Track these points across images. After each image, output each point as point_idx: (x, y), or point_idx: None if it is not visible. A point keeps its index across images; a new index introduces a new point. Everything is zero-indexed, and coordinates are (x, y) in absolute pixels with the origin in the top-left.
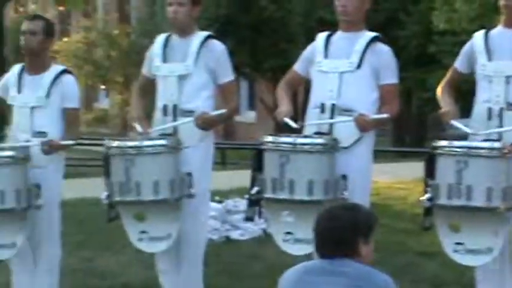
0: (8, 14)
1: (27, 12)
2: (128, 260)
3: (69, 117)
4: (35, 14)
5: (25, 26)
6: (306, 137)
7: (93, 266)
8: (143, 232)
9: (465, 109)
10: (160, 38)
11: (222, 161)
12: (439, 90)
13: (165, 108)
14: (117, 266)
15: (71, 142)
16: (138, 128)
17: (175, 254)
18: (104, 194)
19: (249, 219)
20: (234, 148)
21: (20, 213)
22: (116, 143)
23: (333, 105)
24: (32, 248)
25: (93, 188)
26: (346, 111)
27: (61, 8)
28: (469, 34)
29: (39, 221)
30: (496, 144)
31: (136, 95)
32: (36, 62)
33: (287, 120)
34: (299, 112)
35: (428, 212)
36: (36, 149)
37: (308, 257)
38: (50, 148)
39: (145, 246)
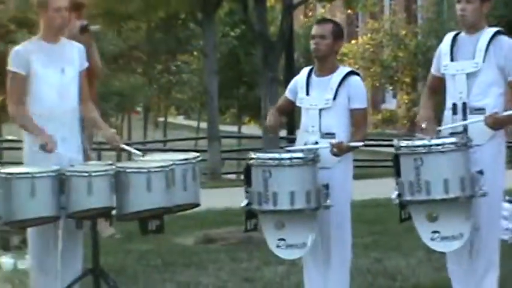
0: (298, 19)
1: (316, 16)
2: (417, 261)
3: (357, 117)
4: (323, 17)
5: (314, 30)
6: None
7: (382, 267)
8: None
9: None
10: (448, 36)
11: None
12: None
13: (454, 107)
14: (407, 267)
15: (360, 144)
16: (424, 126)
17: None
18: (394, 194)
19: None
20: None
21: (310, 214)
22: (404, 143)
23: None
24: (323, 248)
25: (382, 188)
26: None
27: (349, 11)
28: None
29: (329, 221)
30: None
31: (425, 95)
32: (325, 65)
33: None
34: None
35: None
36: (325, 150)
37: None
38: (339, 151)
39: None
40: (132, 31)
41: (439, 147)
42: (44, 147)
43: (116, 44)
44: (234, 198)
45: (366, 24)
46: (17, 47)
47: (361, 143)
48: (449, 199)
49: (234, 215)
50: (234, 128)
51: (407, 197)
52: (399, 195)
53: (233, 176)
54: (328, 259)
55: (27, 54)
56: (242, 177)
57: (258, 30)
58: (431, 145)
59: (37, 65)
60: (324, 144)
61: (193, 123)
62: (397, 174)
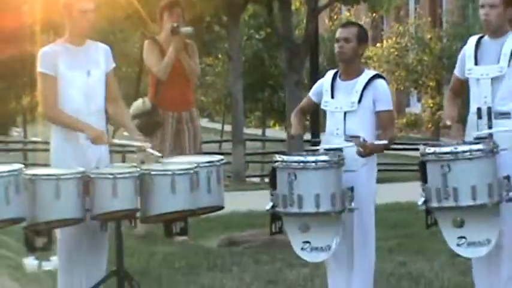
0: (323, 22)
1: (341, 19)
2: (441, 265)
3: (384, 120)
4: (348, 20)
5: (339, 33)
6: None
7: (406, 270)
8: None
9: None
10: (472, 40)
11: None
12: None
13: (479, 111)
14: (431, 271)
15: (384, 142)
16: (448, 123)
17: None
18: (420, 200)
19: None
20: None
21: (335, 217)
22: (431, 150)
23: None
24: (347, 251)
25: (406, 192)
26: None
27: (374, 14)
28: None
29: (353, 224)
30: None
31: (448, 96)
32: (350, 68)
33: None
34: None
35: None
36: (350, 153)
37: None
38: (364, 149)
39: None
40: (157, 34)
41: (467, 154)
42: (94, 141)
43: (141, 47)
44: (258, 201)
45: (390, 28)
46: (44, 49)
47: (385, 141)
48: (476, 206)
49: (258, 218)
50: (258, 131)
51: (434, 204)
52: (425, 202)
53: (257, 179)
54: (352, 262)
55: (54, 56)
56: (266, 180)
57: (282, 33)
58: (458, 152)
59: (63, 68)
60: (349, 143)
61: (218, 126)
62: (423, 180)
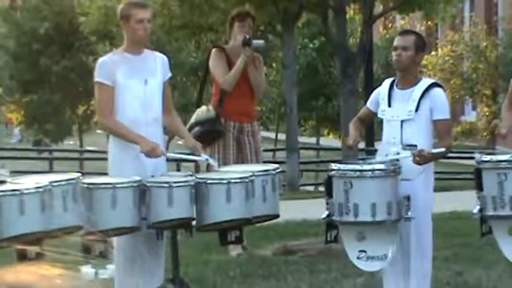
0: (377, 30)
1: (395, 28)
2: (499, 274)
3: (441, 128)
4: (406, 29)
5: (397, 41)
6: None
7: (463, 280)
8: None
9: None
10: None
11: None
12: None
13: None
14: (488, 281)
15: (442, 150)
16: (503, 131)
17: None
18: (476, 208)
19: None
20: None
21: (391, 226)
22: (487, 158)
23: None
24: (403, 260)
25: (462, 201)
26: None
27: (428, 23)
28: None
29: (409, 233)
30: None
31: (505, 106)
32: (407, 77)
33: None
34: None
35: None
36: (406, 162)
37: None
38: (421, 158)
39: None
40: (212, 43)
41: None
42: (148, 154)
43: (196, 56)
44: (312, 209)
45: (445, 36)
46: (102, 58)
47: (443, 149)
48: None
49: (312, 227)
50: (312, 140)
51: (490, 212)
52: (481, 210)
53: (311, 188)
54: (408, 271)
55: (112, 65)
56: (320, 188)
57: (337, 42)
58: None
59: (121, 77)
60: (406, 153)
61: (272, 135)
62: (479, 188)
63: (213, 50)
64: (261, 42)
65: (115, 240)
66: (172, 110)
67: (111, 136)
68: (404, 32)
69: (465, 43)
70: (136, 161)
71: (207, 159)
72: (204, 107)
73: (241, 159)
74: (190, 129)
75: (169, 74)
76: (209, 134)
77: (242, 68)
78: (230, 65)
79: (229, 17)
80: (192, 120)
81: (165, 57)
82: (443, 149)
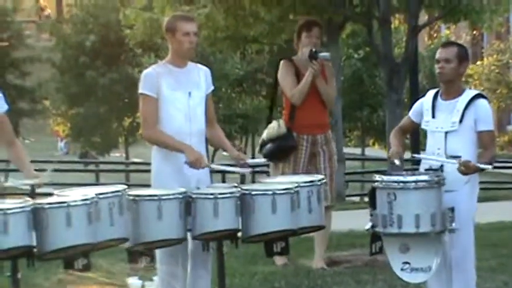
0: (422, 40)
1: (440, 37)
2: None
3: (485, 140)
4: (448, 41)
5: (439, 53)
6: None
7: None
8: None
9: None
10: None
11: None
12: None
13: None
14: None
15: (488, 167)
16: None
17: None
18: None
19: None
20: None
21: (435, 237)
22: None
23: None
24: (447, 271)
25: (507, 211)
26: None
27: (474, 32)
28: None
29: (453, 244)
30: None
31: None
32: (451, 88)
33: None
34: None
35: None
36: (451, 173)
37: None
38: (466, 168)
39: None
40: (256, 54)
41: None
42: (193, 164)
43: (241, 68)
44: (358, 220)
45: (491, 45)
46: (146, 70)
47: (489, 166)
48: None
49: (358, 238)
50: (358, 150)
51: None
52: None
53: (357, 198)
54: (451, 282)
55: (157, 77)
56: (366, 199)
57: (382, 52)
58: None
59: (165, 89)
60: (451, 161)
61: None
62: None
63: (282, 62)
64: (326, 54)
65: (157, 254)
66: (215, 122)
67: (154, 148)
68: (446, 44)
69: (511, 52)
70: (179, 173)
71: (249, 172)
72: (275, 123)
73: (314, 171)
74: (262, 146)
75: (212, 87)
76: (281, 151)
77: (310, 82)
78: (299, 76)
79: (297, 27)
80: (264, 136)
81: (208, 70)
82: (489, 166)
